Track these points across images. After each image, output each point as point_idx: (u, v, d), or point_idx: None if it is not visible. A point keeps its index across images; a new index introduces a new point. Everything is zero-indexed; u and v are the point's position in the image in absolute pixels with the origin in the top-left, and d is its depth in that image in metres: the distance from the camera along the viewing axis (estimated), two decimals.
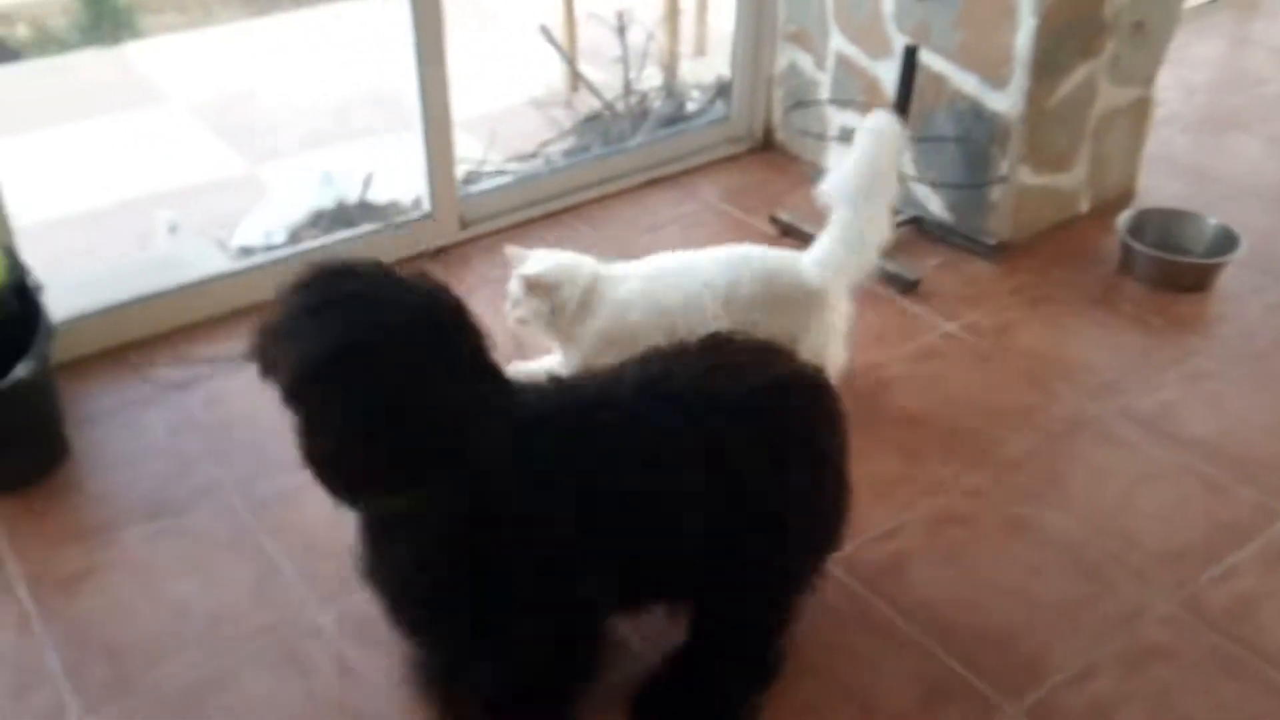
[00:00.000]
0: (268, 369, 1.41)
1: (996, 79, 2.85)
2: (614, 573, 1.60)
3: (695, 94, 4.10)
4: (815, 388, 1.73)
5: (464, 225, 3.05)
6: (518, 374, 1.70)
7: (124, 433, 2.37)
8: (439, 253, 2.98)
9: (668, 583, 1.69)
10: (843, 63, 3.23)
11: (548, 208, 3.20)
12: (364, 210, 3.22)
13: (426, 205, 3.00)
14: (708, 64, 4.43)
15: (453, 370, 1.40)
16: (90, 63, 5.09)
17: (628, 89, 4.12)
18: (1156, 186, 3.33)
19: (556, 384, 1.63)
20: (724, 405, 1.60)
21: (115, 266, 2.83)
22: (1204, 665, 1.88)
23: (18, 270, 2.30)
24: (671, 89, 4.22)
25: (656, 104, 4.07)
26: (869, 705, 1.80)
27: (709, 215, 3.24)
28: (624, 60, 4.22)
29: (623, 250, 3.02)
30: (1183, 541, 2.12)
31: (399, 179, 3.34)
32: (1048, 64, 2.80)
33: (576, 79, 4.58)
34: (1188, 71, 4.15)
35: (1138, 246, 2.90)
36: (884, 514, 2.14)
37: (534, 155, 3.82)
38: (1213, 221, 2.99)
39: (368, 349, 1.34)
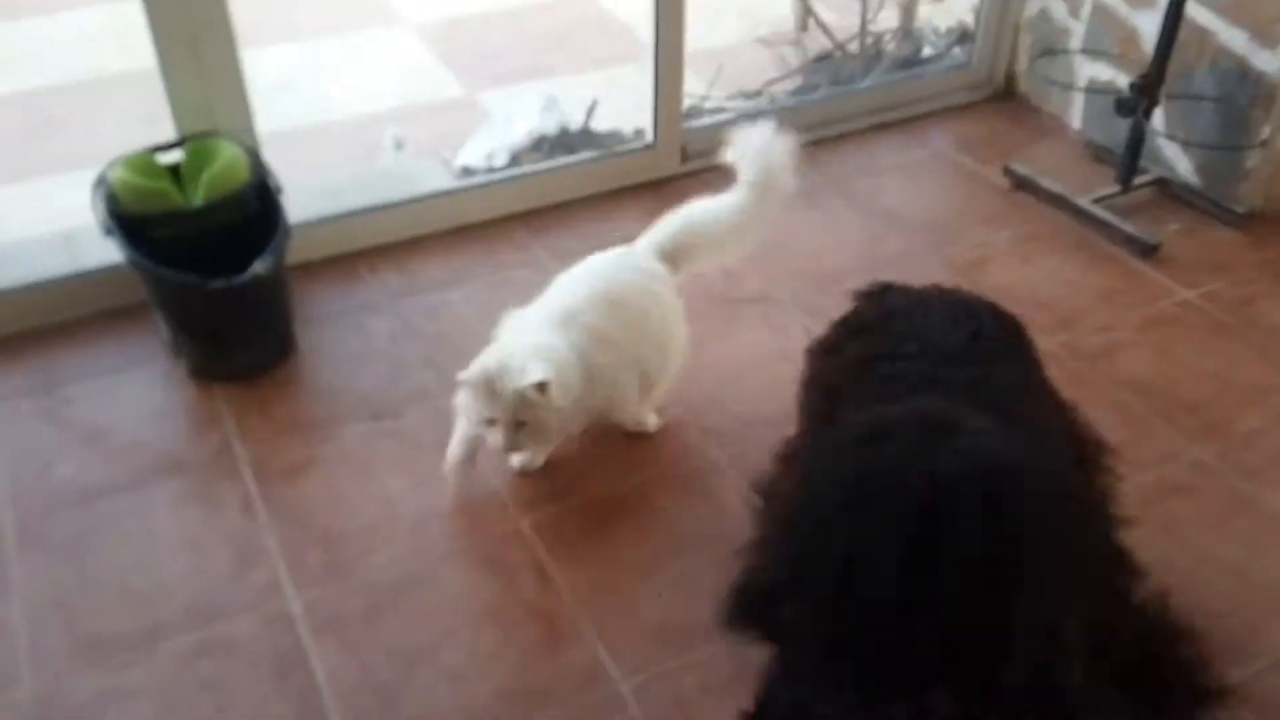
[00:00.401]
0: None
1: (1268, 37, 2.66)
2: None
3: (933, 38, 3.98)
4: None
5: (685, 159, 3.06)
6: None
7: (348, 335, 2.50)
8: (658, 184, 3.01)
9: None
10: (1099, 10, 3.06)
11: None
12: (586, 137, 3.26)
13: (649, 136, 3.02)
14: (948, 8, 4.28)
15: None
16: None
17: (863, 29, 4.03)
18: None
19: None
20: None
21: (345, 178, 2.97)
22: None
23: (260, 171, 2.44)
24: (909, 31, 4.10)
25: (891, 46, 3.97)
26: None
27: (938, 164, 3.15)
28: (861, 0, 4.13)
29: (841, 192, 3.02)
30: None
31: (622, 109, 3.38)
32: None
33: (807, 17, 4.51)
34: None
35: None
36: None
37: (758, 93, 3.79)
38: None
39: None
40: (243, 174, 2.39)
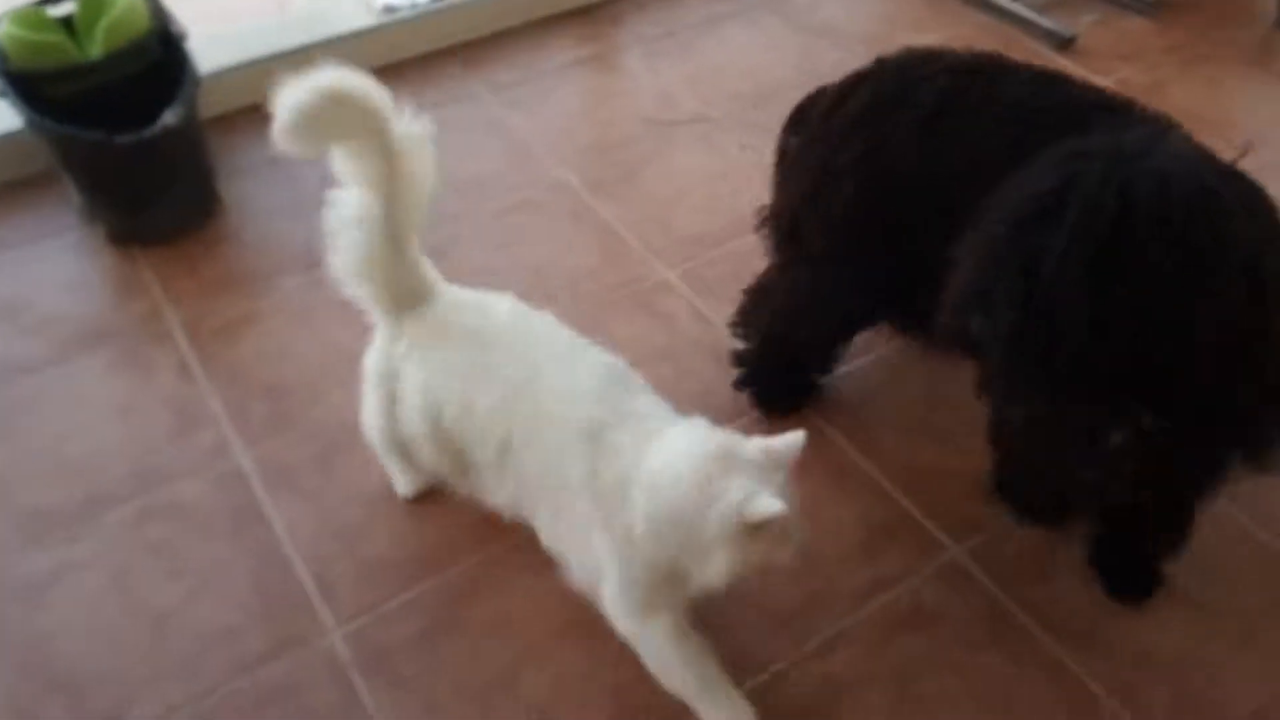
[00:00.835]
0: None
1: None
2: None
3: None
4: None
5: None
6: None
7: (277, 186, 2.25)
8: (589, 10, 2.76)
9: None
10: None
11: None
12: None
13: None
14: None
15: None
16: None
17: None
18: None
19: None
20: None
21: (255, 24, 2.66)
22: None
23: (161, 18, 2.15)
24: None
25: None
26: None
27: None
28: None
29: (777, 9, 2.79)
30: None
31: None
32: None
33: None
34: None
35: None
36: None
37: None
38: None
39: None
40: (142, 21, 2.10)
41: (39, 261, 2.11)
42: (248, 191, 2.25)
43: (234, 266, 2.09)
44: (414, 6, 2.61)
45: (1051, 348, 1.16)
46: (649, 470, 1.27)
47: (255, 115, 2.41)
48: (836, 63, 2.61)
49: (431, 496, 1.66)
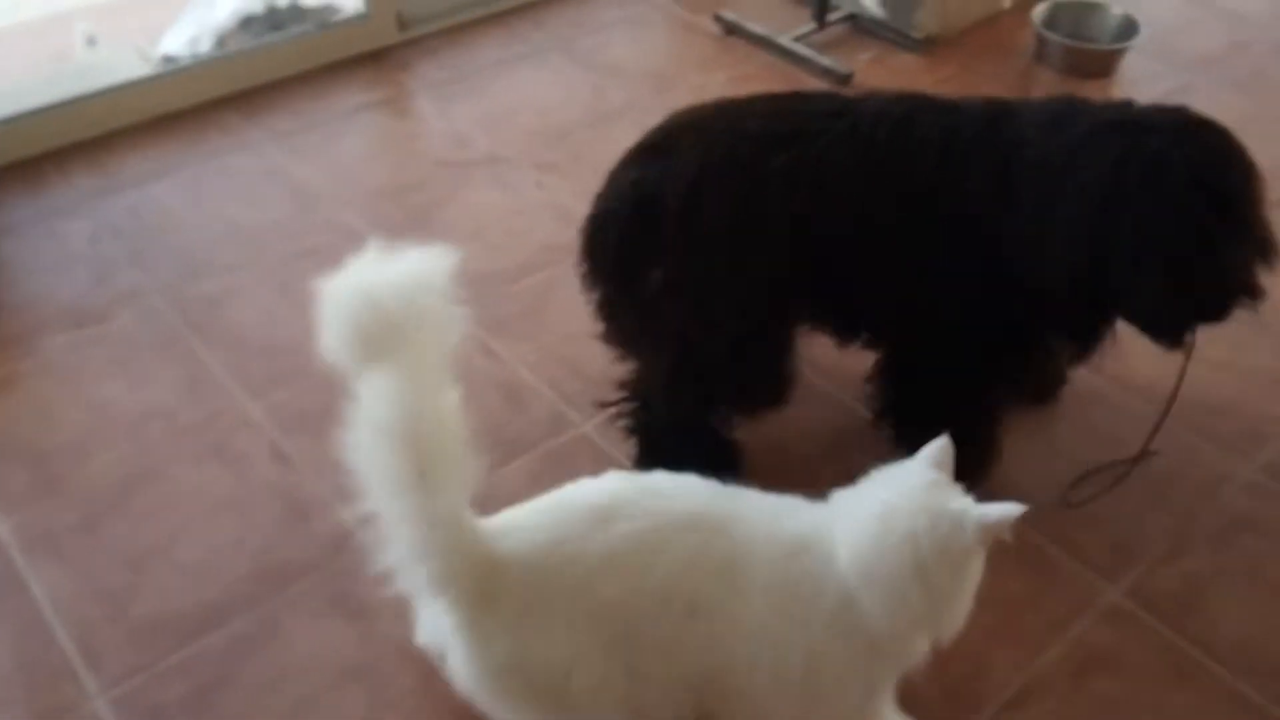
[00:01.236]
0: None
1: None
2: None
3: None
4: None
5: (403, 26, 2.76)
6: None
7: (40, 243, 2.14)
8: (377, 55, 2.71)
9: None
10: None
11: (493, 9, 2.90)
12: (296, 13, 2.90)
13: (361, 5, 2.71)
14: None
15: None
16: None
17: None
18: None
19: None
20: None
21: (28, 79, 2.53)
22: None
23: None
24: None
25: None
26: None
27: (656, 16, 2.97)
28: None
29: (566, 50, 2.81)
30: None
31: None
32: None
33: None
34: None
35: (1050, 36, 2.78)
36: None
37: None
38: (1117, 12, 2.84)
39: None
40: None
41: None
42: (11, 250, 2.13)
43: None
44: (194, 56, 2.52)
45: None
46: (859, 545, 1.12)
47: (17, 170, 2.32)
48: (626, 101, 2.68)
49: (208, 550, 1.59)
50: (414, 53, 2.74)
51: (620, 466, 1.72)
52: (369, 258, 1.09)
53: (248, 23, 2.80)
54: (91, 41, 3.06)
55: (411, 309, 1.05)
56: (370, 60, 2.70)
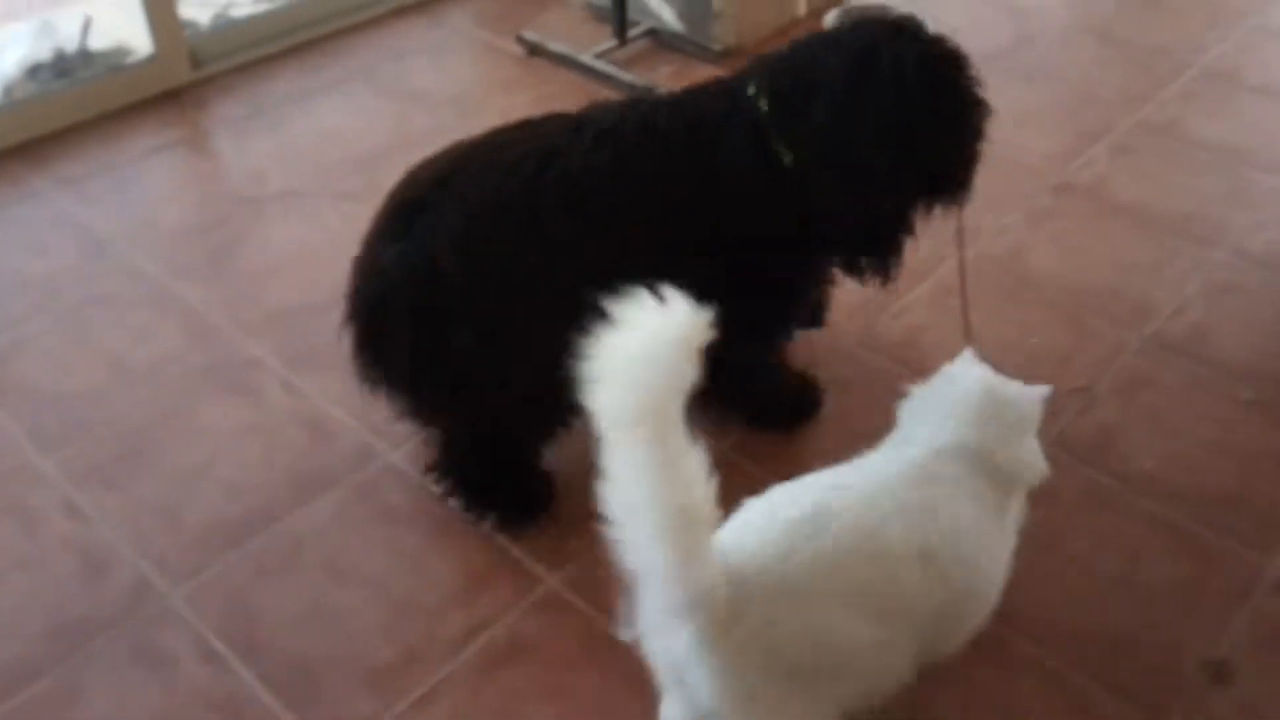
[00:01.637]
0: None
1: None
2: None
3: None
4: None
5: (196, 65, 2.71)
6: None
7: None
8: (171, 95, 2.64)
9: None
10: None
11: (289, 42, 2.88)
12: (85, 59, 2.80)
13: (150, 47, 2.64)
14: None
15: None
16: None
17: None
18: None
19: None
20: None
21: None
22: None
23: None
24: None
25: None
26: None
27: (459, 41, 2.99)
28: None
29: (369, 79, 2.78)
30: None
31: (126, 22, 2.93)
32: None
33: None
34: None
35: None
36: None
37: None
38: (905, 13, 2.89)
39: None
40: None
41: None
42: None
43: None
44: None
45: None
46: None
47: None
48: (430, 126, 2.67)
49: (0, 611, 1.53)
50: (209, 91, 2.70)
51: (430, 494, 1.72)
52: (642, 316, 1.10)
53: (35, 71, 2.70)
54: None
55: (677, 370, 1.08)
56: (165, 101, 2.65)
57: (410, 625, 1.55)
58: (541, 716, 1.46)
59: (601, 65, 2.82)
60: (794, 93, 1.55)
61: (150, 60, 2.64)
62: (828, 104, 1.52)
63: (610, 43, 2.88)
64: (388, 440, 1.81)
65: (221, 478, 1.75)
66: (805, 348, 1.99)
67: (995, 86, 2.80)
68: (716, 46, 2.87)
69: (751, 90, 1.57)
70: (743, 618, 1.17)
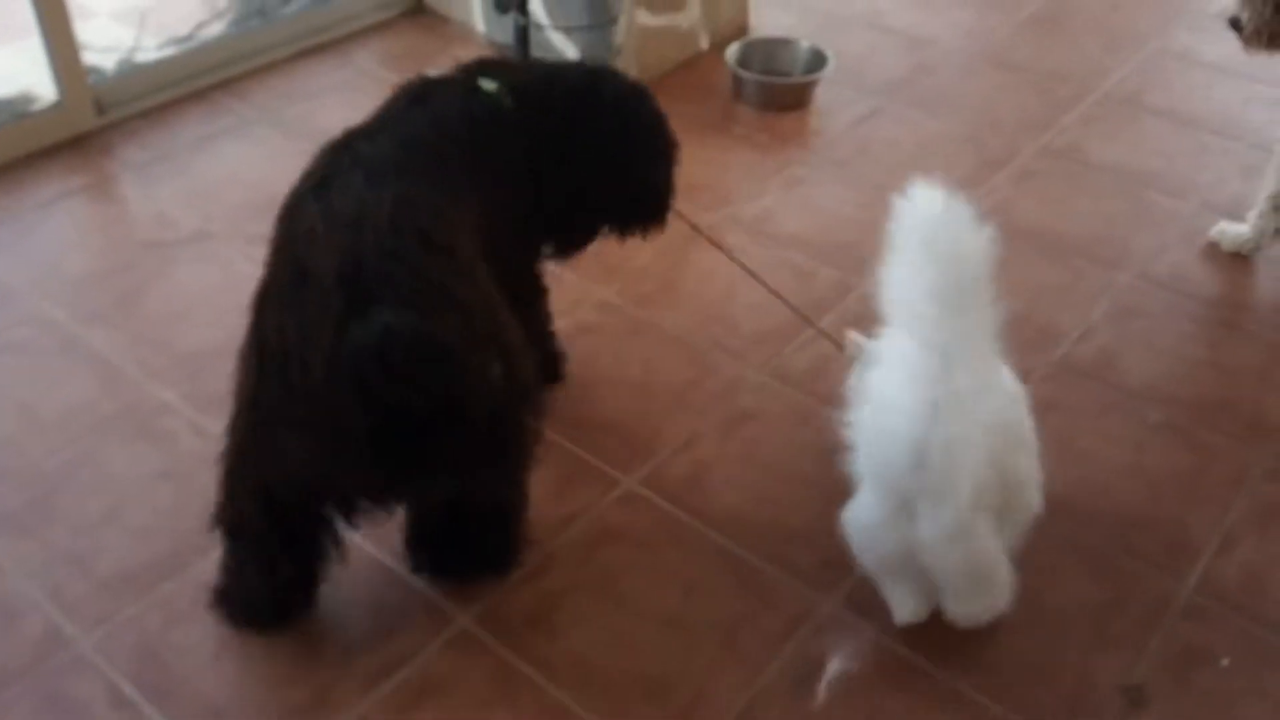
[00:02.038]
0: None
1: None
2: None
3: None
4: None
5: (100, 110, 2.77)
6: None
7: None
8: (76, 141, 2.70)
9: None
10: None
11: (194, 85, 2.96)
12: None
13: (54, 93, 2.69)
14: None
15: None
16: None
17: None
18: (769, 21, 3.35)
19: None
20: None
21: None
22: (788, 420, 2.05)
23: None
24: None
25: None
26: None
27: (364, 80, 3.07)
28: None
29: (275, 121, 2.85)
30: (774, 321, 2.23)
31: (29, 69, 2.98)
32: None
33: None
34: None
35: (743, 74, 2.97)
36: None
37: (189, 37, 3.49)
38: (806, 45, 3.08)
39: None
40: None
41: None
42: None
43: None
44: None
45: None
46: None
47: None
48: None
49: None
50: (114, 136, 2.76)
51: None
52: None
53: None
54: None
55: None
56: (69, 147, 2.71)
57: (322, 665, 1.62)
58: None
59: (520, 58, 2.87)
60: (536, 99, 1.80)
61: (54, 107, 2.70)
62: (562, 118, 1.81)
63: None
64: None
65: (133, 524, 1.80)
66: (715, 377, 2.11)
67: (895, 115, 2.99)
68: None
69: (490, 87, 1.78)
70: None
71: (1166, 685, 1.62)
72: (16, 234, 2.43)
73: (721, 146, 2.84)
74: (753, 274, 2.15)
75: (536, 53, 2.97)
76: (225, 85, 2.97)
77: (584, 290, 2.32)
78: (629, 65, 2.97)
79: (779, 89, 2.98)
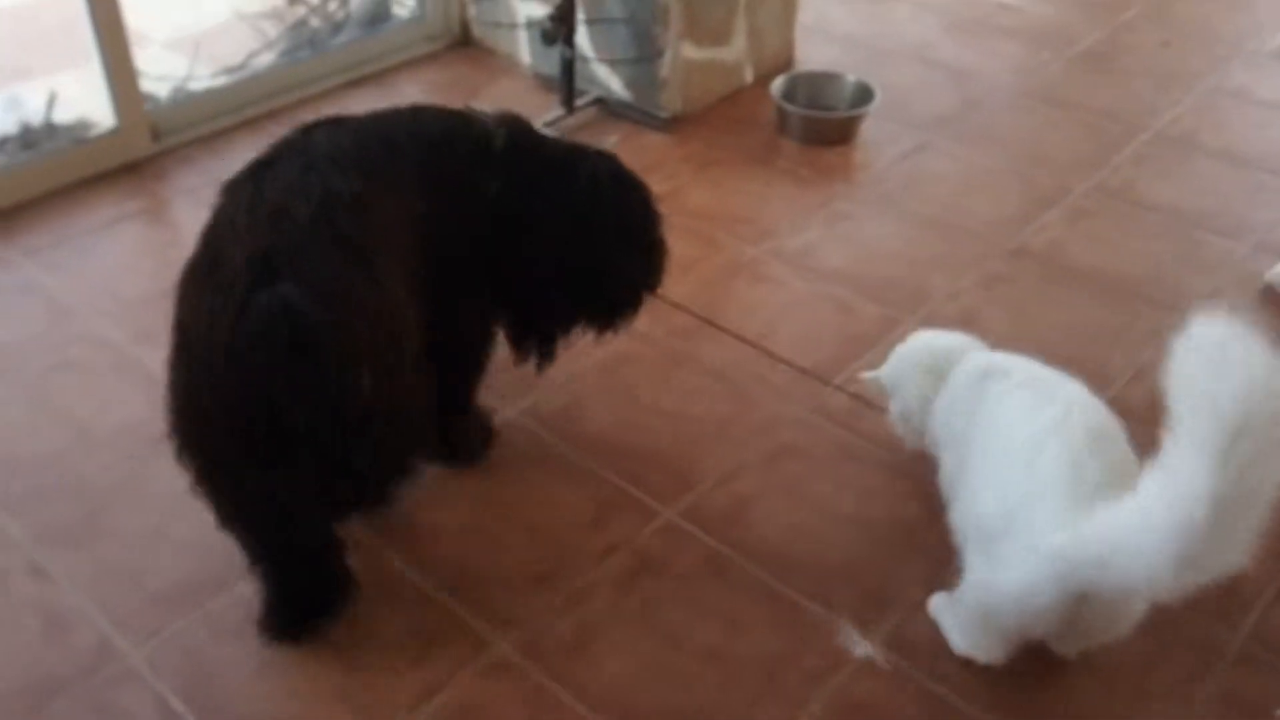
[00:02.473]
0: None
1: None
2: None
3: None
4: None
5: (156, 137, 2.90)
6: None
7: None
8: (132, 167, 2.83)
9: None
10: None
11: (246, 114, 3.08)
12: (50, 131, 2.99)
13: (112, 120, 2.83)
14: None
15: None
16: None
17: None
18: (814, 54, 3.42)
19: None
20: None
21: None
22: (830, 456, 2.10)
23: None
24: None
25: (355, 4, 3.92)
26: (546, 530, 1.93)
27: None
28: None
29: None
30: (816, 357, 2.30)
31: (89, 97, 3.13)
32: None
33: None
34: None
35: (788, 107, 3.03)
36: (563, 361, 2.10)
37: (241, 67, 3.64)
38: (852, 79, 3.14)
39: None
40: None
41: None
42: None
43: None
44: None
45: None
46: None
47: None
48: None
49: None
50: (169, 162, 2.88)
51: (378, 553, 1.88)
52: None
53: (2, 144, 2.87)
54: None
55: None
56: (126, 172, 2.83)
57: (362, 687, 1.68)
58: None
59: (550, 134, 3.00)
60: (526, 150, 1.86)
61: (112, 133, 2.83)
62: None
63: (558, 111, 3.05)
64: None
65: (181, 539, 1.88)
66: (756, 411, 2.17)
67: (943, 150, 3.05)
68: (663, 114, 3.07)
69: (489, 121, 1.85)
70: None
71: None
72: (74, 255, 2.55)
73: (765, 180, 2.91)
74: None
75: (581, 85, 3.07)
76: (276, 114, 3.08)
77: None
78: (673, 98, 3.05)
79: (824, 123, 3.03)
